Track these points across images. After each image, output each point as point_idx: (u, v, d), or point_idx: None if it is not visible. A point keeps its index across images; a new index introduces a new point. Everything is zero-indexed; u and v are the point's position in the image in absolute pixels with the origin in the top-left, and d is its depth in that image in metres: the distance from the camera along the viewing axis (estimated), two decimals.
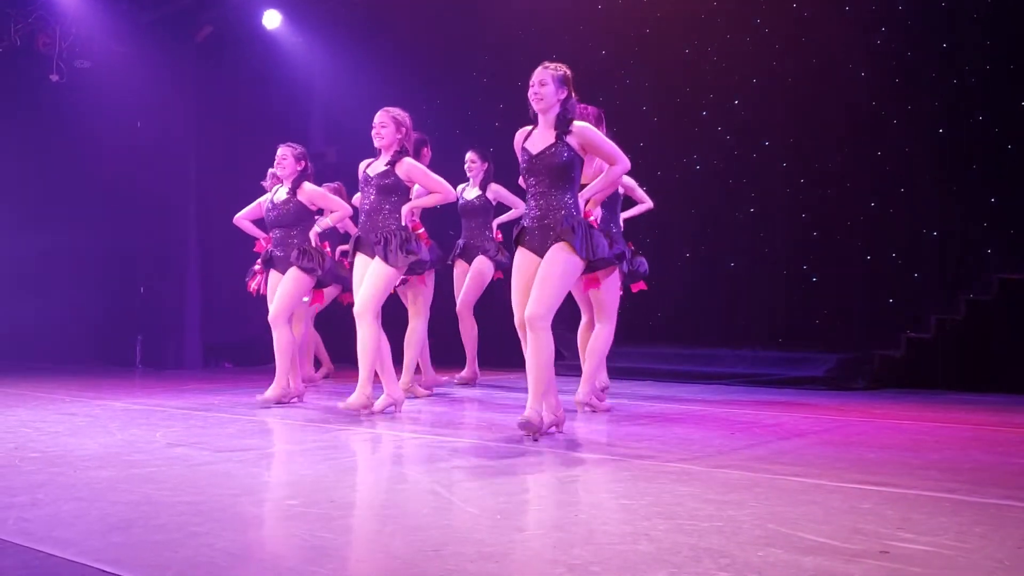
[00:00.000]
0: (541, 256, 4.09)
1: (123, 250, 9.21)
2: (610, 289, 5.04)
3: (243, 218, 6.02)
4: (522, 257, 4.17)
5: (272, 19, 8.91)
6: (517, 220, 5.04)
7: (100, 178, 9.25)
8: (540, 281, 4.01)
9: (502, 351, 6.98)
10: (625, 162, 4.23)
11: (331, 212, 5.58)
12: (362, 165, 5.14)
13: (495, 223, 6.62)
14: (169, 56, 8.74)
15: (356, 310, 4.90)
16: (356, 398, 4.88)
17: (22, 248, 9.31)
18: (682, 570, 2.03)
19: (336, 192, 6.29)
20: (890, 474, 3.23)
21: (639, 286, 5.42)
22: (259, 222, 5.98)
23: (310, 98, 9.77)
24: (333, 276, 5.99)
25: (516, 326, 4.16)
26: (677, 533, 2.35)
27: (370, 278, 4.91)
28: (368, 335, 4.89)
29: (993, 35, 6.67)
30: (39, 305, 9.33)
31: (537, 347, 4.00)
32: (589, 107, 5.09)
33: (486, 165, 6.55)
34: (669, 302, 7.76)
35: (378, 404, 5.01)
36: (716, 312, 7.76)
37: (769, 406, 5.52)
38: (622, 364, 6.10)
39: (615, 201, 5.22)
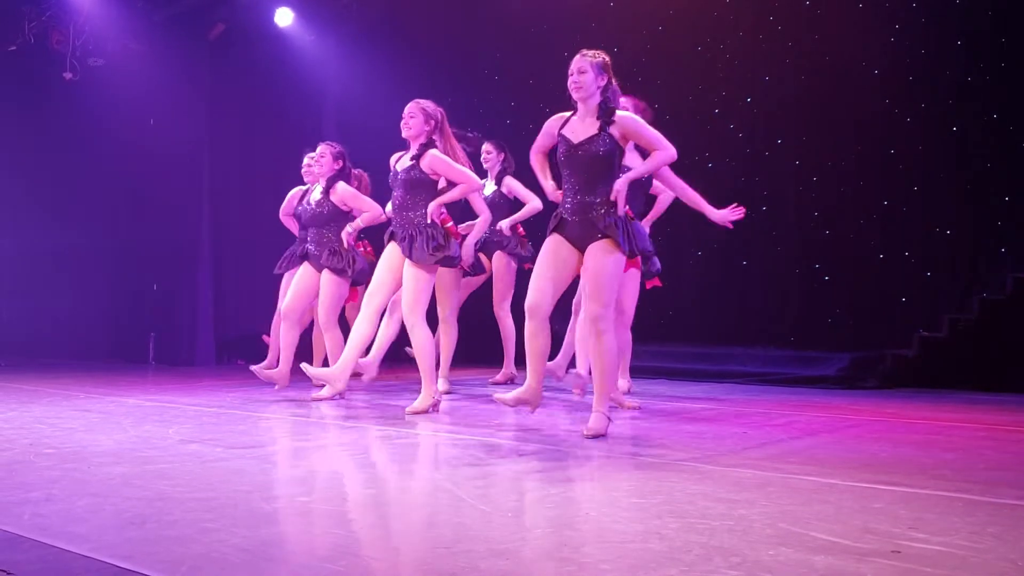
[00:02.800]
0: (579, 248, 4.05)
1: (136, 247, 9.25)
2: (629, 286, 5.03)
3: (286, 215, 6.12)
4: (557, 243, 4.10)
5: (284, 17, 8.92)
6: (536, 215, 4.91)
7: (113, 175, 9.29)
8: (594, 282, 3.99)
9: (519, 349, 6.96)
10: (670, 150, 4.13)
11: (363, 212, 5.60)
12: (392, 159, 5.10)
13: (507, 223, 6.54)
14: (182, 54, 8.77)
15: (404, 317, 4.88)
16: (421, 401, 4.87)
17: (35, 245, 9.38)
18: (693, 569, 2.03)
19: (358, 179, 6.29)
20: (902, 473, 3.22)
21: (652, 282, 5.39)
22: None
23: (322, 96, 9.78)
24: (367, 274, 5.97)
25: (526, 307, 4.08)
26: (688, 532, 2.35)
27: (406, 283, 4.87)
28: (421, 338, 4.86)
29: (1008, 32, 6.63)
30: (52, 302, 9.40)
31: (600, 349, 4.00)
32: (634, 98, 5.06)
33: (503, 156, 6.49)
34: (681, 301, 7.75)
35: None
36: (728, 311, 7.74)
37: (781, 405, 5.51)
38: (634, 363, 6.09)
39: (636, 198, 5.12)
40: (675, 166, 5.03)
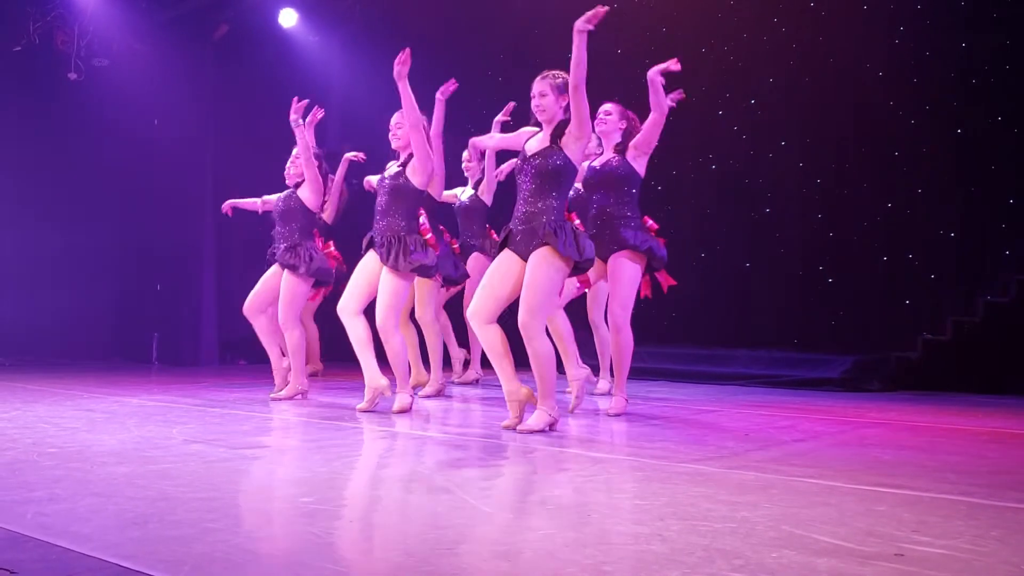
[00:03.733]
0: (524, 259, 4.15)
1: (140, 247, 9.27)
2: (627, 284, 5.01)
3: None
4: (504, 257, 4.24)
5: (288, 17, 8.95)
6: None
7: (117, 176, 9.31)
8: (526, 288, 4.08)
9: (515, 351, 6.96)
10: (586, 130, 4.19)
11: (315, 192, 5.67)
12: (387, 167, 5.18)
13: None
14: (186, 54, 8.79)
15: (377, 324, 4.90)
16: (400, 402, 4.94)
17: (40, 245, 9.38)
18: (695, 571, 2.03)
19: (324, 175, 6.25)
20: (906, 476, 3.21)
21: (668, 281, 5.29)
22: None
23: (326, 96, 9.76)
24: (326, 273, 5.89)
25: (467, 315, 4.28)
26: (691, 534, 2.34)
27: (382, 289, 4.92)
28: (396, 345, 4.93)
29: (1013, 34, 6.62)
30: (57, 301, 9.40)
31: (533, 353, 4.11)
32: (618, 105, 5.13)
33: (482, 164, 6.52)
34: (684, 302, 7.74)
35: (363, 404, 5.04)
36: (731, 313, 7.74)
37: (784, 407, 5.51)
38: (636, 364, 6.09)
39: (631, 197, 5.08)
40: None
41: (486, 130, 6.42)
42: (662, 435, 4.26)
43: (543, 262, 4.08)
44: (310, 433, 4.43)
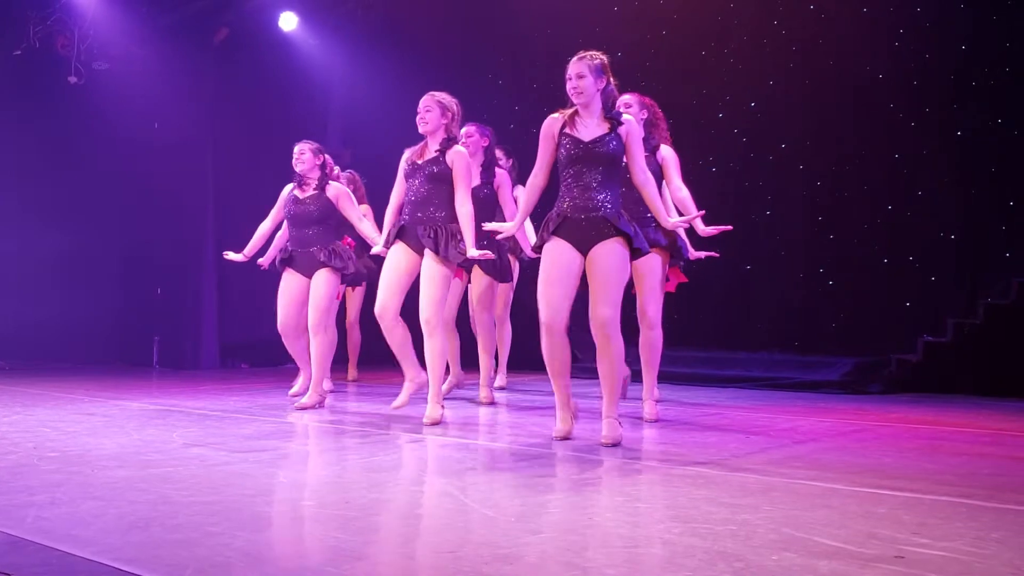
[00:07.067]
0: (581, 250, 3.92)
1: (140, 251, 9.26)
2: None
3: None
4: (559, 248, 3.93)
5: (289, 21, 8.95)
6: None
7: (118, 179, 9.31)
8: (603, 282, 3.86)
9: (523, 353, 6.96)
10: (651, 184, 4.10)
11: (351, 215, 5.37)
12: (405, 154, 4.85)
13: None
14: (186, 58, 8.79)
15: (423, 318, 4.61)
16: (432, 412, 4.66)
17: (40, 248, 9.38)
18: (696, 574, 2.03)
19: (351, 181, 6.21)
20: (906, 479, 3.21)
21: (679, 278, 5.27)
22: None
23: (327, 100, 9.81)
24: (361, 274, 5.74)
25: (544, 323, 3.90)
26: (691, 537, 2.34)
27: (428, 283, 4.62)
28: (439, 344, 4.63)
29: (1012, 37, 6.63)
30: (57, 305, 9.40)
31: (611, 352, 3.88)
32: (639, 95, 4.95)
33: (511, 161, 6.46)
34: (685, 305, 7.74)
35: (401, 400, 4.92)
36: (731, 315, 7.73)
37: (785, 410, 5.50)
38: (636, 367, 6.08)
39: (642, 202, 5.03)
40: (681, 169, 5.08)
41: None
42: (663, 437, 4.26)
43: (616, 253, 3.88)
44: (312, 436, 4.43)
